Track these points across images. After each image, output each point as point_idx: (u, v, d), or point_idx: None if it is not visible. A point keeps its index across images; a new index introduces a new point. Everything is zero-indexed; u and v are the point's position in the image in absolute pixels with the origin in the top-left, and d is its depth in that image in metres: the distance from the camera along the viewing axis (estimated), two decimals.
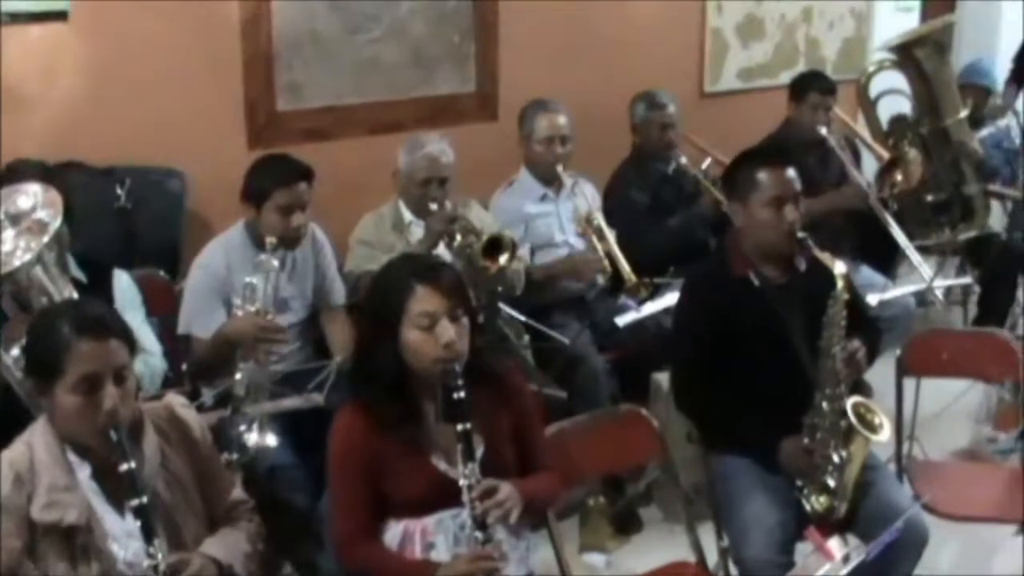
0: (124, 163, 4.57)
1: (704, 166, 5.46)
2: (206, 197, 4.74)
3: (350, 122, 5.25)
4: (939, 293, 5.46)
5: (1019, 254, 6.53)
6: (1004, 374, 4.54)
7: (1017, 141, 6.80)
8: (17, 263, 3.12)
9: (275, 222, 4.00)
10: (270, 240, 3.89)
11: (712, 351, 3.64)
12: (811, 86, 5.79)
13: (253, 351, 3.78)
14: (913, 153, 5.99)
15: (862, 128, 6.54)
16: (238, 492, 2.95)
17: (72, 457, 2.59)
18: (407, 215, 4.61)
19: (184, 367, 4.10)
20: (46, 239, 3.17)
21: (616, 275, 4.90)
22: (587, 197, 5.10)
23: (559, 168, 5.04)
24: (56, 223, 3.23)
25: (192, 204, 4.76)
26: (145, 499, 2.51)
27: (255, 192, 4.03)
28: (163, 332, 4.02)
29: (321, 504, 3.60)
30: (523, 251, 4.92)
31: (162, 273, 4.47)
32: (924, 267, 5.36)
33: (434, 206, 4.46)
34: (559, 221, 5.10)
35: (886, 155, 5.94)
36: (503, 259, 4.38)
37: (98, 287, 3.59)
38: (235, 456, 3.58)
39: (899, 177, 5.82)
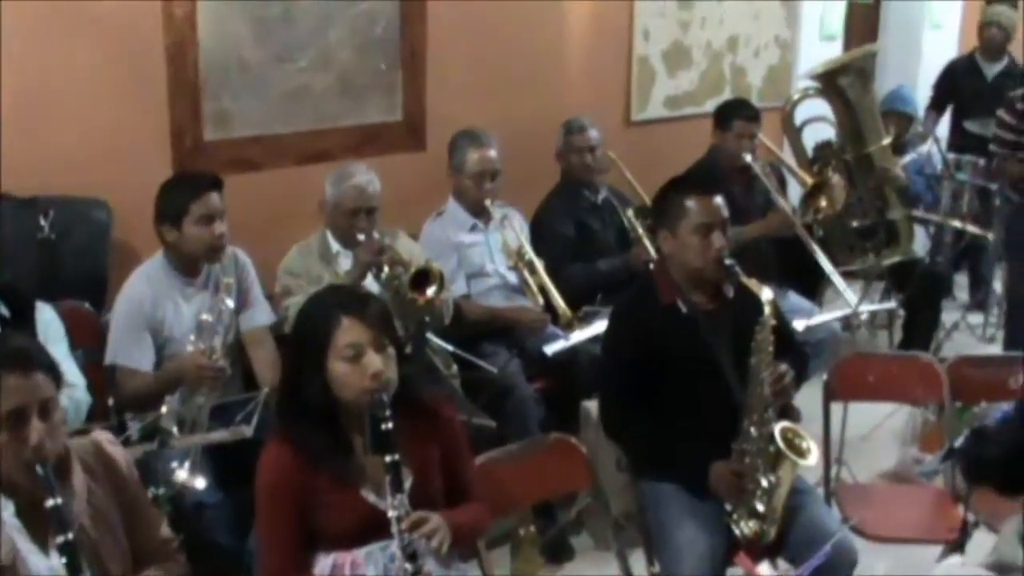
0: (47, 193, 4.50)
1: (630, 213, 5.49)
2: (132, 227, 4.66)
3: (278, 151, 5.22)
4: (864, 318, 5.53)
5: (942, 278, 6.64)
6: (929, 396, 4.60)
7: (939, 167, 6.91)
8: None
9: (198, 234, 4.01)
10: (227, 281, 3.92)
11: (640, 378, 3.66)
12: (736, 114, 5.84)
13: (197, 388, 3.79)
14: (836, 178, 6.06)
15: (787, 155, 6.61)
16: (165, 530, 2.91)
17: None
18: (335, 245, 4.59)
19: (110, 401, 4.05)
20: None
21: (548, 307, 4.91)
22: (516, 229, 5.10)
23: (487, 202, 5.04)
24: None
25: (118, 234, 4.70)
26: (71, 535, 2.47)
27: (172, 212, 4.03)
28: (87, 364, 3.98)
29: (250, 541, 3.56)
30: (459, 280, 4.92)
31: (87, 305, 4.40)
32: (848, 292, 5.42)
33: (362, 236, 4.45)
34: (489, 251, 5.11)
35: (810, 181, 6.01)
36: (431, 291, 4.37)
37: (21, 320, 3.55)
38: (161, 491, 3.53)
39: (823, 203, 5.89)
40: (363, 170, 4.59)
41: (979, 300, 7.50)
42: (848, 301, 5.37)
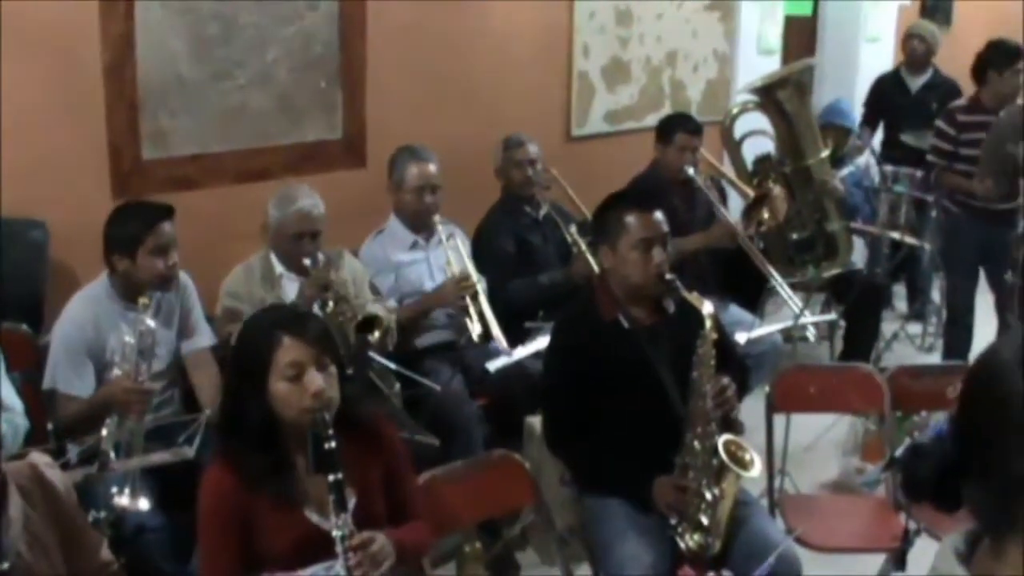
0: None
1: (573, 228, 5.48)
2: (70, 247, 4.62)
3: (216, 170, 5.18)
4: (808, 330, 5.58)
5: (880, 289, 6.70)
6: (869, 407, 4.64)
7: (876, 179, 6.99)
8: None
9: (153, 265, 3.98)
10: (143, 301, 3.83)
11: (583, 394, 3.66)
12: (677, 127, 5.88)
13: (126, 412, 3.71)
14: (778, 190, 6.10)
15: (728, 169, 6.66)
16: (105, 554, 2.87)
17: None
18: (278, 267, 4.57)
19: (49, 425, 3.99)
20: None
21: (486, 335, 4.87)
22: (462, 252, 5.05)
23: (435, 218, 5.01)
24: None
25: (55, 255, 4.64)
26: (7, 564, 2.43)
27: (125, 242, 3.98)
28: (24, 387, 3.92)
29: (192, 565, 3.52)
30: (392, 300, 4.90)
31: (24, 327, 4.33)
32: (794, 301, 5.47)
33: (307, 261, 4.41)
34: (429, 269, 5.09)
35: (751, 193, 6.05)
36: (375, 336, 4.36)
37: None
38: (102, 514, 3.49)
39: (765, 214, 5.93)
40: (307, 192, 4.56)
41: (917, 310, 7.59)
42: (793, 308, 5.42)
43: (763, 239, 6.21)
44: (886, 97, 8.05)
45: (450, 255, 5.02)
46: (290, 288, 4.49)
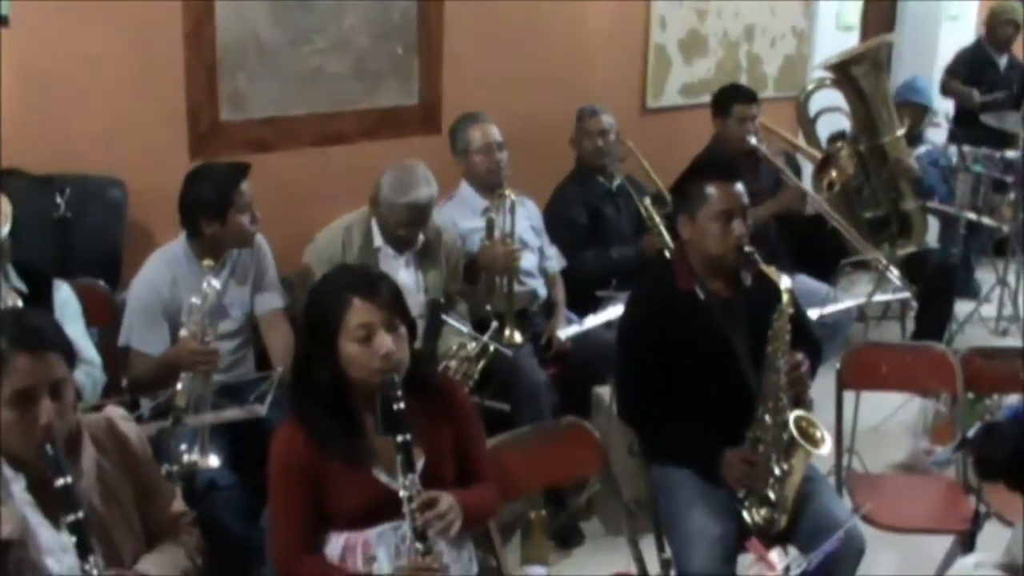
0: (64, 171, 4.51)
1: (647, 200, 5.45)
2: (147, 207, 4.68)
3: (293, 133, 5.22)
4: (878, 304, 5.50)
5: (955, 270, 6.61)
6: (941, 387, 4.59)
7: (953, 159, 6.89)
8: None
9: (244, 223, 4.04)
10: (207, 263, 3.83)
11: (656, 364, 3.64)
12: (732, 99, 5.87)
13: (192, 371, 3.73)
14: (844, 150, 6.03)
15: (800, 143, 6.59)
16: (178, 504, 2.91)
17: (6, 470, 2.55)
18: (378, 239, 4.53)
19: (124, 381, 4.05)
20: None
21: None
22: (523, 221, 5.03)
23: (504, 183, 4.97)
24: (4, 231, 3.21)
25: (133, 214, 4.71)
26: (81, 514, 2.46)
27: (215, 205, 3.99)
28: (101, 343, 3.98)
29: (262, 519, 3.56)
30: None
31: (102, 283, 4.40)
32: (876, 253, 5.44)
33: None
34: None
35: (818, 155, 6.01)
36: None
37: (37, 297, 3.56)
38: (175, 468, 3.53)
39: (834, 173, 5.88)
40: (423, 178, 4.42)
41: (971, 288, 7.42)
42: (878, 258, 5.40)
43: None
44: (978, 68, 7.93)
45: (510, 221, 4.93)
46: (386, 262, 4.46)
